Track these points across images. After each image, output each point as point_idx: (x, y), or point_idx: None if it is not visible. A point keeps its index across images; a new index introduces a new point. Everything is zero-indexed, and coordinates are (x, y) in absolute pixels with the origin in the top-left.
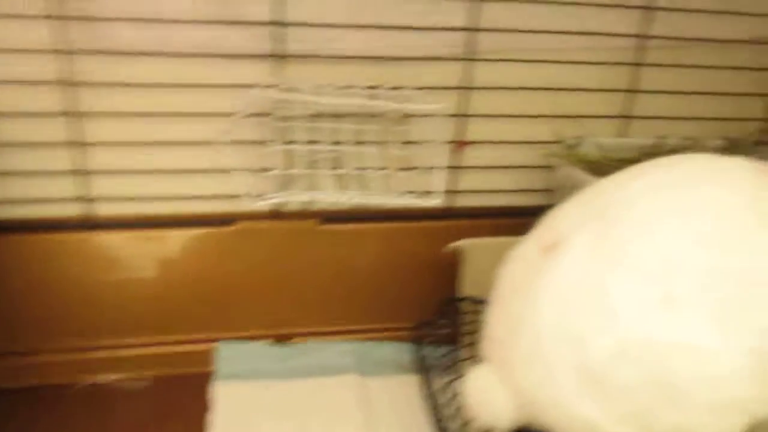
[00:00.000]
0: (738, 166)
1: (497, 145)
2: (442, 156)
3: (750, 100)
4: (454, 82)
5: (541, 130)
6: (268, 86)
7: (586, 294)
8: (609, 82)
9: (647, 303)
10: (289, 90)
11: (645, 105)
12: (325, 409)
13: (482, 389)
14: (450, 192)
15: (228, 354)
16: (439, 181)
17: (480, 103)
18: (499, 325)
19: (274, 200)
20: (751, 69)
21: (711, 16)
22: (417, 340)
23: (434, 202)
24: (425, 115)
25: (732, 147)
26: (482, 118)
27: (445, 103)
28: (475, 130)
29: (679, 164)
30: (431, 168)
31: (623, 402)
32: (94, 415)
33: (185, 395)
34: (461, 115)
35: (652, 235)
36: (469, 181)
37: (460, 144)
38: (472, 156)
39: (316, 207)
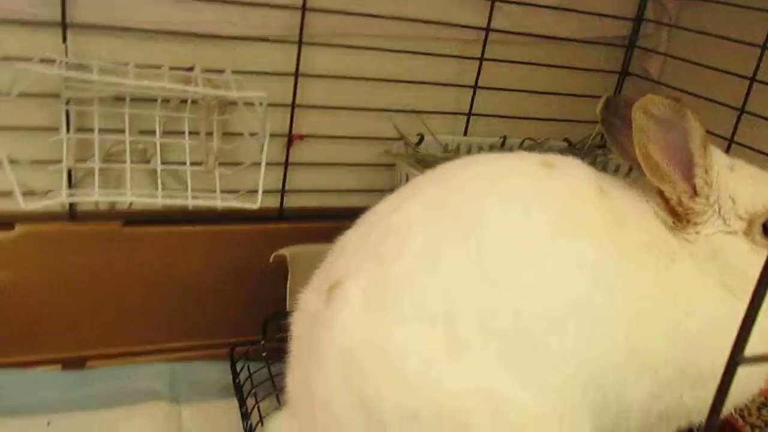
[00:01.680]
0: (519, 166)
1: (334, 140)
2: (270, 151)
3: (594, 101)
4: (283, 68)
5: (383, 126)
6: (50, 60)
7: (370, 353)
8: (453, 76)
9: (432, 355)
10: (81, 67)
11: (489, 103)
12: None
13: None
14: (279, 192)
15: (4, 384)
16: (265, 178)
17: (315, 93)
18: (294, 383)
19: (61, 199)
20: (596, 70)
21: (557, 14)
22: (236, 360)
23: (254, 204)
24: (249, 104)
25: (573, 149)
26: (317, 110)
27: (273, 90)
28: (309, 122)
29: (455, 174)
30: (256, 164)
31: None
32: None
33: None
34: (292, 105)
35: (431, 274)
36: (302, 179)
37: (292, 138)
38: (305, 152)
39: (119, 207)
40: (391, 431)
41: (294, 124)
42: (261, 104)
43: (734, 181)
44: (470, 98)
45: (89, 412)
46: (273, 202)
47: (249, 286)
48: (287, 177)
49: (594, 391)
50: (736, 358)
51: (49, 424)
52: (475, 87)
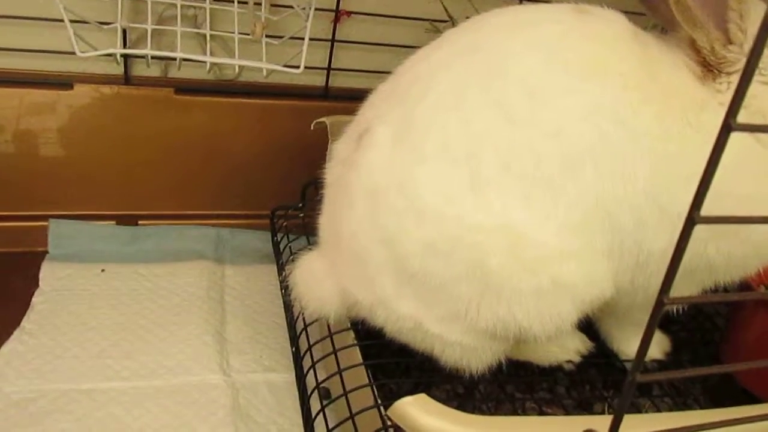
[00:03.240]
0: (550, 13)
1: (382, 20)
2: (318, 26)
3: None
4: None
5: (432, 7)
6: None
7: (394, 190)
8: None
9: (454, 190)
10: None
11: None
12: (169, 297)
13: (307, 282)
14: (326, 69)
15: (61, 233)
16: (312, 56)
17: None
18: (326, 224)
19: (114, 50)
20: None
21: None
22: (277, 229)
23: (297, 70)
24: None
25: None
26: None
27: None
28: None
29: (485, 23)
30: (302, 38)
31: (443, 300)
32: None
33: (13, 274)
34: None
35: (455, 113)
36: (349, 58)
37: (339, 14)
38: (353, 30)
39: (171, 75)
40: (412, 264)
41: (342, 0)
42: None
43: None
44: None
45: (140, 264)
46: (319, 80)
47: (292, 159)
48: (333, 55)
49: (612, 234)
50: (692, 217)
51: (103, 270)
52: None
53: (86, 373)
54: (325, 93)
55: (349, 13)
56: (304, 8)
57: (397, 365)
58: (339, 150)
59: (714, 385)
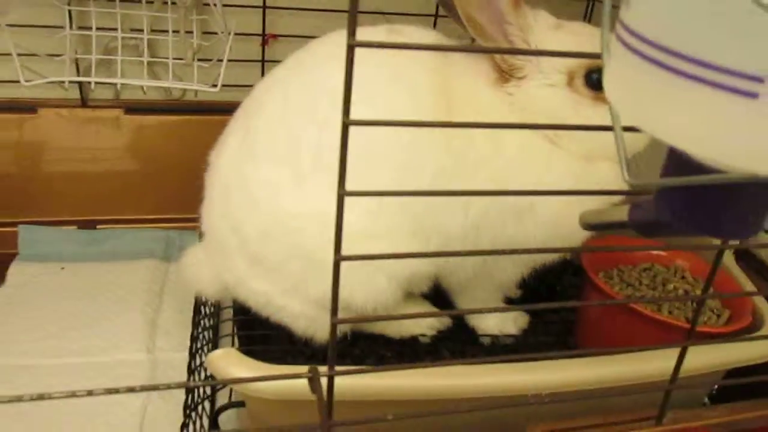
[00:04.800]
0: (366, 34)
1: (306, 41)
2: (248, 49)
3: None
4: None
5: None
6: None
7: (236, 186)
8: None
9: (280, 184)
10: None
11: None
12: (116, 290)
13: (191, 266)
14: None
15: (29, 236)
16: (245, 75)
17: None
18: (204, 218)
19: (63, 78)
20: None
21: None
22: None
23: (215, 89)
24: (226, 5)
25: None
26: (289, 12)
27: None
28: (283, 24)
29: (316, 45)
30: (230, 60)
31: (281, 276)
32: None
33: None
34: (263, 7)
35: (279, 122)
36: None
37: (266, 38)
38: (280, 51)
39: (123, 97)
40: (252, 246)
41: (268, 25)
42: (215, 5)
43: (556, 39)
44: None
45: (96, 263)
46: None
47: None
48: (265, 73)
49: (411, 218)
50: (337, 257)
51: (62, 269)
52: None
53: (28, 352)
54: None
55: (275, 36)
56: (229, 33)
57: (267, 337)
58: (211, 156)
59: None
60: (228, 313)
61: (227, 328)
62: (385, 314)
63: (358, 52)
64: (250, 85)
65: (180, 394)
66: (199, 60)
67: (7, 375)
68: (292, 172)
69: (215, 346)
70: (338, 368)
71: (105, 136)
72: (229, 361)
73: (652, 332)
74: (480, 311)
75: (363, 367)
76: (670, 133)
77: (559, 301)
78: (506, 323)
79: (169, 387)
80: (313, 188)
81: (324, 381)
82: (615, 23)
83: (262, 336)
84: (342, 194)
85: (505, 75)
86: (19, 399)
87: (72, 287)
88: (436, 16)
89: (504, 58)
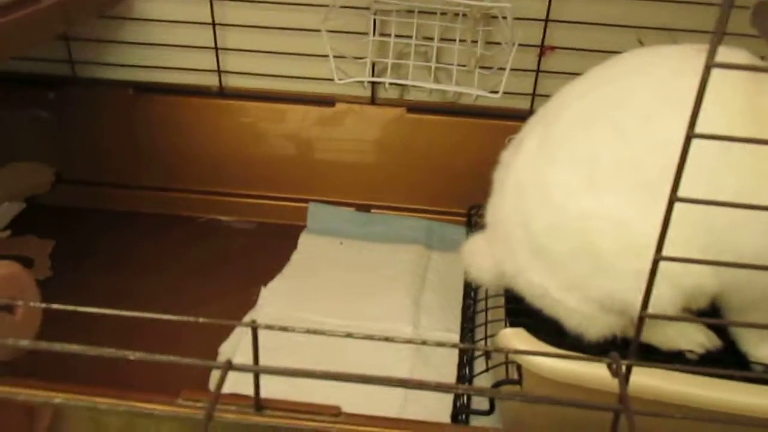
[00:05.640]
0: (671, 52)
1: (585, 54)
2: (526, 59)
3: None
4: None
5: (633, 43)
6: None
7: (532, 184)
8: None
9: (575, 187)
10: None
11: None
12: (385, 268)
13: (472, 254)
14: (531, 95)
15: (317, 212)
16: (520, 83)
17: (568, 9)
18: (490, 211)
19: (363, 79)
20: None
21: None
22: (471, 222)
23: (496, 95)
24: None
25: None
26: (570, 25)
27: (529, 5)
28: (562, 36)
29: (618, 59)
30: (510, 69)
31: (563, 272)
32: (210, 241)
33: (278, 239)
34: (546, 19)
35: (580, 131)
36: (552, 87)
37: (544, 49)
38: (557, 62)
39: (406, 97)
40: (540, 240)
41: (547, 37)
42: (504, 17)
43: None
44: None
45: (369, 242)
46: (526, 104)
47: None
48: (538, 83)
49: (706, 232)
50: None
51: (341, 243)
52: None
53: (317, 309)
54: (530, 113)
55: (553, 48)
56: (513, 44)
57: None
58: (504, 156)
59: None
60: (497, 301)
61: (496, 314)
62: (650, 325)
63: (669, 68)
64: (523, 93)
65: (446, 369)
66: (480, 68)
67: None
68: (590, 178)
69: (489, 329)
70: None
71: (388, 131)
72: (520, 339)
73: None
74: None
75: (665, 364)
76: None
77: None
78: None
79: (455, 346)
80: (608, 194)
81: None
82: None
83: (532, 325)
84: (673, 200)
85: None
86: (314, 331)
87: (348, 261)
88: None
89: None
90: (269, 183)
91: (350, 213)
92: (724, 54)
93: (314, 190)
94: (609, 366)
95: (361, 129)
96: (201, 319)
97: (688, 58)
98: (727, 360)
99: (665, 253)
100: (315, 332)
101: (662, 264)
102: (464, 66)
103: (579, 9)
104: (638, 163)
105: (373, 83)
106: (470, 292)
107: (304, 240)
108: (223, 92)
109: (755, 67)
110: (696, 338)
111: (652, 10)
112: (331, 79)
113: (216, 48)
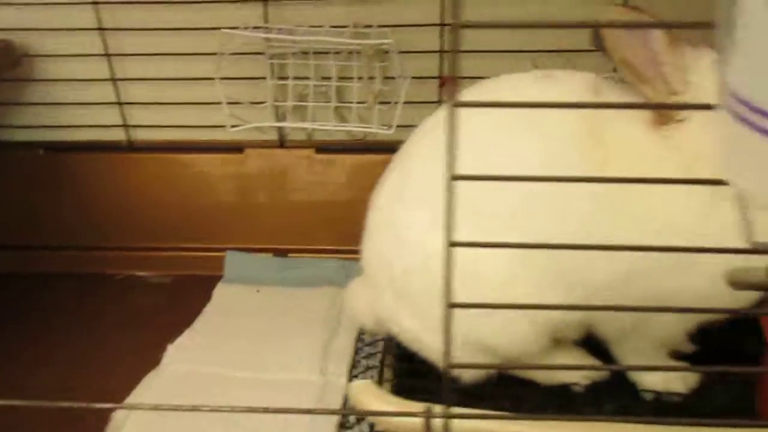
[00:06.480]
0: (518, 80)
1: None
2: (425, 91)
3: None
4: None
5: (524, 66)
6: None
7: (387, 224)
8: None
9: (427, 224)
10: (275, 30)
11: None
12: (299, 314)
13: (353, 299)
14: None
15: (233, 261)
16: (423, 116)
17: (463, 39)
18: (363, 253)
19: (261, 124)
20: None
21: None
22: None
23: (390, 131)
24: (400, 52)
25: None
26: (468, 55)
27: (426, 40)
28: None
29: (470, 92)
30: (407, 102)
31: (426, 314)
32: (125, 299)
33: (195, 291)
34: (441, 51)
35: (429, 167)
36: None
37: (442, 80)
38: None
39: (314, 138)
40: (398, 283)
41: (447, 67)
42: (387, 51)
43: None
44: None
45: (286, 288)
46: None
47: None
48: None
49: (555, 265)
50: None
51: (258, 291)
52: None
53: (226, 362)
54: None
55: (453, 78)
56: (404, 78)
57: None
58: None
59: None
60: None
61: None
62: (527, 361)
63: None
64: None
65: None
66: (380, 103)
67: (202, 381)
68: (433, 215)
69: (380, 375)
70: (455, 410)
71: (299, 174)
72: (365, 393)
73: None
74: (637, 368)
75: (480, 411)
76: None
77: (741, 361)
78: (673, 380)
79: (309, 412)
80: (460, 232)
81: (439, 422)
82: None
83: (425, 369)
84: (451, 244)
85: (663, 117)
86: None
87: (263, 308)
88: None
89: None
90: (185, 235)
91: (267, 259)
92: (565, 78)
93: (231, 239)
94: (425, 420)
95: (272, 173)
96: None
97: (526, 87)
98: (616, 390)
99: (515, 291)
100: (199, 409)
101: (510, 295)
102: (363, 103)
103: (476, 38)
104: (481, 199)
105: (279, 127)
106: (361, 336)
107: (220, 290)
108: (132, 146)
109: (495, 104)
110: (582, 371)
111: (547, 35)
112: (247, 127)
113: (119, 103)
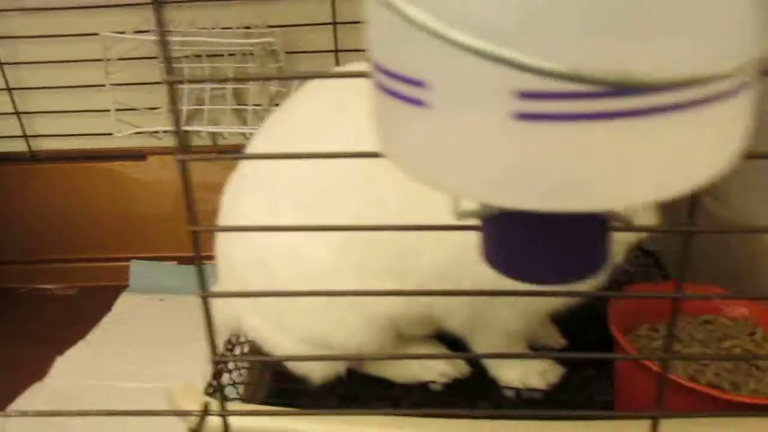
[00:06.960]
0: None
1: None
2: None
3: None
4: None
5: None
6: (143, 31)
7: (227, 220)
8: None
9: (259, 216)
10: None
11: None
12: (199, 320)
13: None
14: None
15: (138, 270)
16: None
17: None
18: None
19: (154, 129)
20: None
21: None
22: None
23: None
24: (291, 52)
25: None
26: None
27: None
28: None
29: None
30: None
31: (268, 311)
32: (26, 312)
33: (99, 302)
34: (335, 51)
35: (261, 162)
36: None
37: None
38: None
39: (219, 142)
40: (240, 279)
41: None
42: (273, 51)
43: None
44: None
45: (190, 296)
46: None
47: None
48: None
49: (380, 252)
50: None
51: (161, 300)
52: None
53: (116, 374)
54: None
55: None
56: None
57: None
58: None
59: None
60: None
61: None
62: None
63: (331, 88)
64: None
65: None
66: (276, 105)
67: (86, 393)
68: (270, 206)
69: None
70: (232, 407)
71: (203, 179)
72: (186, 396)
73: (682, 401)
74: (488, 356)
75: (259, 408)
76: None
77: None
78: (531, 375)
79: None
80: (283, 221)
81: (215, 420)
82: None
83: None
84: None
85: None
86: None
87: (163, 318)
88: None
89: None
90: (90, 245)
91: (172, 267)
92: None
93: (136, 248)
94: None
95: (176, 179)
96: None
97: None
98: (475, 388)
99: (340, 283)
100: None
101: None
102: (260, 105)
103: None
104: (305, 186)
105: (186, 131)
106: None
107: (123, 301)
108: (33, 156)
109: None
110: (438, 368)
111: None
112: (141, 133)
113: (17, 113)
